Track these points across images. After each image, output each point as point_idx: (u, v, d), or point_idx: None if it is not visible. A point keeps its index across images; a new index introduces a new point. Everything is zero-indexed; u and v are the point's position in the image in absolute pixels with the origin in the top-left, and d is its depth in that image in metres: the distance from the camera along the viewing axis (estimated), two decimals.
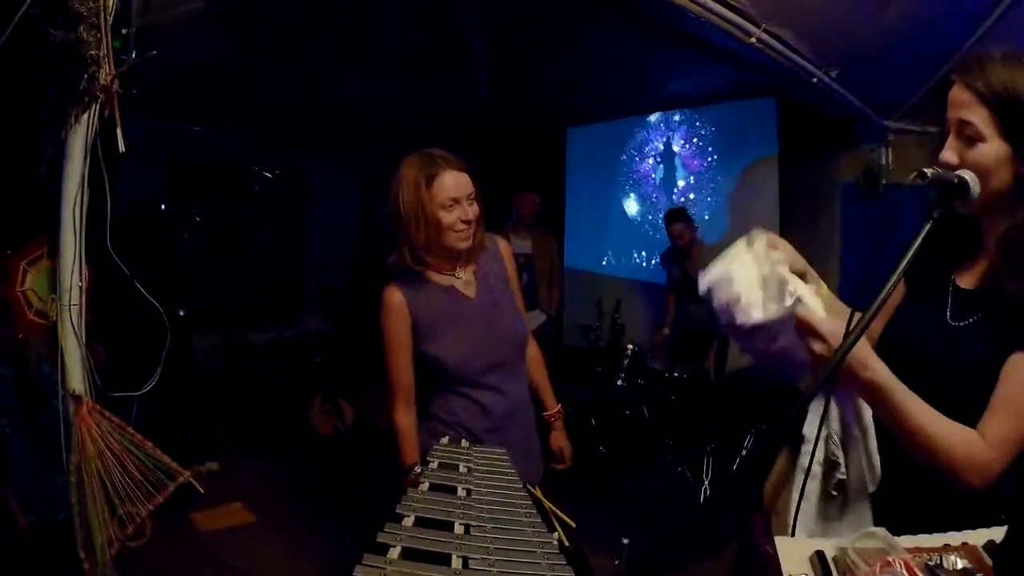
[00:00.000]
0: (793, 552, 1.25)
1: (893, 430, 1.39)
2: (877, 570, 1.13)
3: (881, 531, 1.23)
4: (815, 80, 3.92)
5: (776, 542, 1.27)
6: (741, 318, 1.47)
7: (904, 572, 1.13)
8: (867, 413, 1.50)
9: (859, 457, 1.51)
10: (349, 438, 6.07)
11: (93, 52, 1.68)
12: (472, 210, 2.23)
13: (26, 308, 2.02)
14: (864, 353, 1.34)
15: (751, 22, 3.36)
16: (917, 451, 1.35)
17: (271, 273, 7.96)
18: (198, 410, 5.71)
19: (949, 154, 1.40)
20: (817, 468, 1.50)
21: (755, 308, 1.46)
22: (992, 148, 1.36)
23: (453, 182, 2.19)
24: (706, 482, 4.70)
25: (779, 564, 1.21)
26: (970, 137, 1.38)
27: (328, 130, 7.12)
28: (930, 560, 1.20)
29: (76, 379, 1.85)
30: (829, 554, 1.24)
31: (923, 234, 1.27)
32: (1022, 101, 1.33)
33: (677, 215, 5.79)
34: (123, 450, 1.81)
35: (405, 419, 2.34)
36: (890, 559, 1.16)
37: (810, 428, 1.50)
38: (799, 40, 3.67)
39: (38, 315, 2.02)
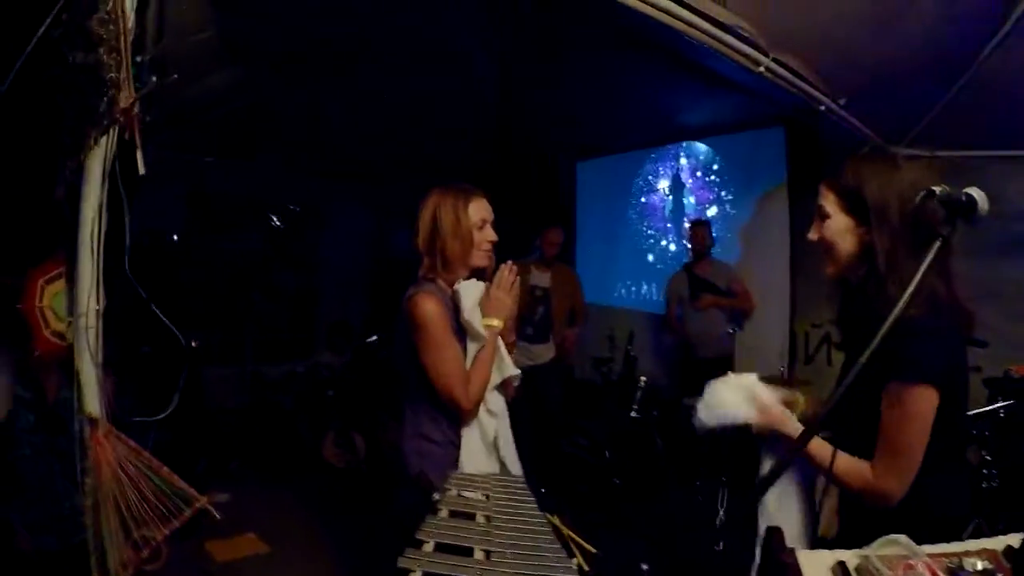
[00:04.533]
0: (815, 563, 1.36)
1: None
2: (900, 573, 1.22)
3: (903, 538, 1.34)
4: (823, 108, 3.90)
5: (798, 554, 1.36)
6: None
7: (927, 574, 1.23)
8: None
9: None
10: (362, 471, 6.02)
11: (113, 75, 1.68)
12: (493, 234, 2.55)
13: (43, 325, 2.01)
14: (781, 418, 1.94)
15: (760, 51, 3.36)
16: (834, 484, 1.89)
17: (285, 306, 8.00)
18: (210, 441, 5.69)
19: (812, 232, 1.93)
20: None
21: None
22: (836, 221, 1.85)
23: (484, 207, 2.54)
24: (721, 511, 4.63)
25: (800, 572, 1.31)
26: (823, 216, 1.88)
27: (341, 163, 7.16)
28: (951, 563, 1.29)
29: (92, 402, 1.83)
30: (851, 564, 1.33)
31: (933, 253, 1.42)
32: (862, 189, 1.79)
33: (703, 222, 6.04)
34: (139, 474, 1.79)
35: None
36: (912, 562, 1.25)
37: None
38: (806, 68, 3.65)
39: (54, 335, 2.02)
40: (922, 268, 1.40)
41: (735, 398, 1.97)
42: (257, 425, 6.48)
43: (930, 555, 1.31)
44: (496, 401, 2.54)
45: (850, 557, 1.35)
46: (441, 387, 2.38)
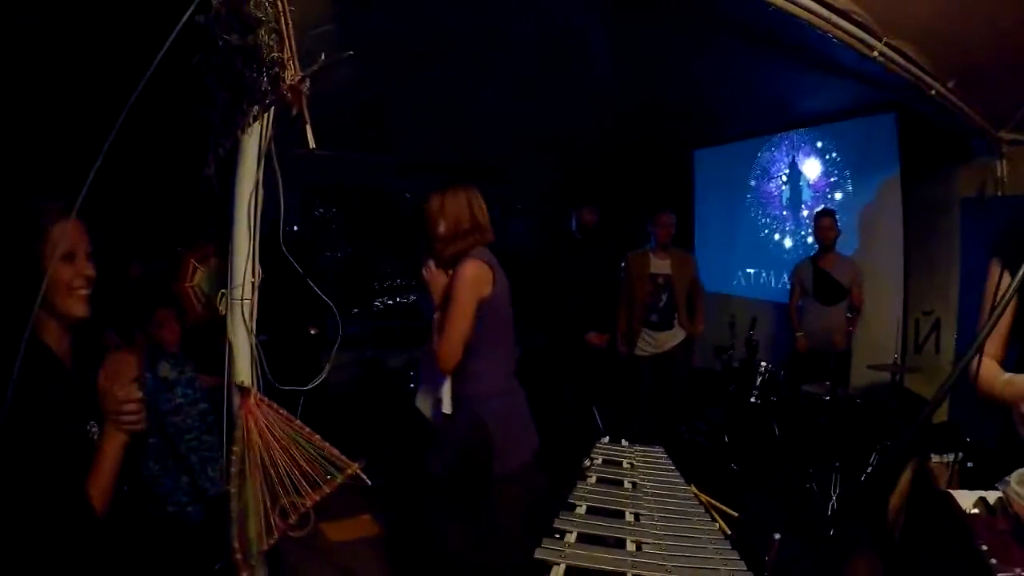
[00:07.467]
0: (963, 500, 1.46)
1: None
2: None
3: None
4: (933, 92, 3.83)
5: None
6: None
7: None
8: None
9: None
10: None
11: (276, 55, 1.73)
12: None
13: (195, 301, 2.11)
14: None
15: (873, 36, 3.35)
16: None
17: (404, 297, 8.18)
18: (329, 426, 5.83)
19: None
20: None
21: None
22: None
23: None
24: (834, 498, 4.56)
25: (957, 503, 1.43)
26: None
27: (461, 156, 7.25)
28: None
29: (244, 371, 1.91)
30: (991, 499, 1.43)
31: None
32: None
33: (827, 211, 5.83)
34: (290, 441, 1.84)
35: None
36: None
37: None
38: (917, 52, 3.61)
39: (205, 308, 2.11)
40: None
41: None
42: (377, 411, 6.63)
43: None
44: None
45: (990, 497, 1.44)
46: None
